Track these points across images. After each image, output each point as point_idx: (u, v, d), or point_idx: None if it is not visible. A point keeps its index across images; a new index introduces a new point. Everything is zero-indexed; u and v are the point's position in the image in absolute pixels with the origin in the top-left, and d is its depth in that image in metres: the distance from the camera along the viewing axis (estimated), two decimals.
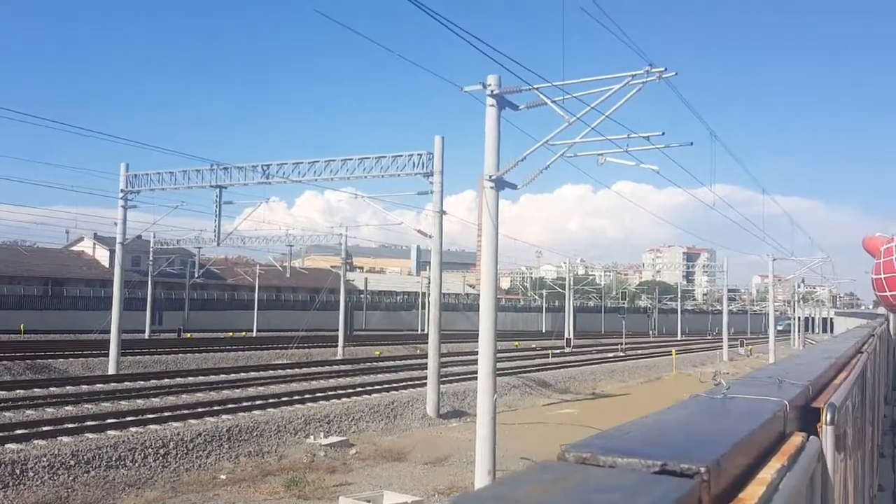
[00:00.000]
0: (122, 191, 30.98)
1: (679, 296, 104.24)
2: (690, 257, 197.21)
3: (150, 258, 52.97)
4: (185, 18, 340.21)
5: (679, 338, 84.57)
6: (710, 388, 2.10)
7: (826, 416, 2.14)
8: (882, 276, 16.04)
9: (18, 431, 17.00)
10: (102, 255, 66.09)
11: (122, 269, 31.93)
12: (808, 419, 2.14)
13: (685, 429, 1.44)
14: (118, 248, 31.90)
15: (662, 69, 15.83)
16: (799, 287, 76.06)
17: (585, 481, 1.00)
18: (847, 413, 3.16)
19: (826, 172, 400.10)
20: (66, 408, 21.37)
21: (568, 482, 0.99)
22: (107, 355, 31.16)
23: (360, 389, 27.15)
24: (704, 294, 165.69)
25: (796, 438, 1.76)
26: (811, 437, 1.89)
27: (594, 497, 0.92)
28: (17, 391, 23.82)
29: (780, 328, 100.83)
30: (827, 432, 2.12)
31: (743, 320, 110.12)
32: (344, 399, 24.84)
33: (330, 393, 25.78)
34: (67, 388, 25.15)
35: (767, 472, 1.37)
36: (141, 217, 36.61)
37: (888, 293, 16.15)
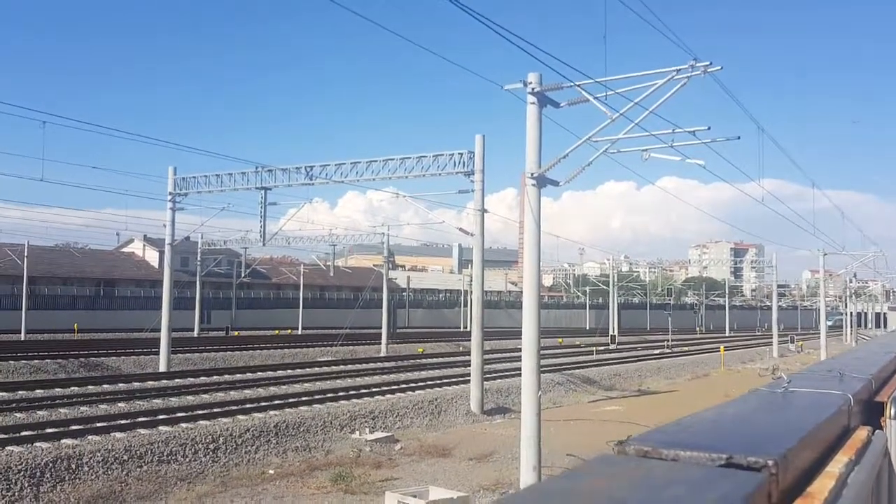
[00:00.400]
0: (170, 193, 31.64)
1: (727, 291, 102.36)
2: (738, 253, 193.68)
3: (198, 259, 53.96)
4: (221, 22, 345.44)
5: (727, 334, 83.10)
6: (766, 382, 2.05)
7: (891, 410, 2.07)
8: None
9: (73, 427, 17.47)
10: (152, 256, 67.57)
11: (171, 270, 32.60)
12: (871, 413, 2.07)
13: (748, 422, 1.40)
14: (167, 249, 32.57)
15: (707, 63, 15.54)
16: (851, 282, 74.08)
17: (649, 475, 0.97)
18: None
19: (878, 165, 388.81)
20: (119, 404, 21.92)
21: (632, 475, 0.97)
22: (157, 353, 31.85)
23: (403, 386, 27.29)
24: (753, 290, 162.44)
25: (861, 432, 1.70)
26: (877, 431, 1.83)
27: (659, 491, 0.90)
28: (72, 388, 24.51)
29: (829, 324, 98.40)
30: (892, 426, 2.05)
31: (793, 316, 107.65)
32: (388, 395, 24.99)
33: (374, 389, 25.95)
34: (120, 385, 25.78)
35: (835, 467, 1.32)
36: (189, 219, 37.36)
37: None
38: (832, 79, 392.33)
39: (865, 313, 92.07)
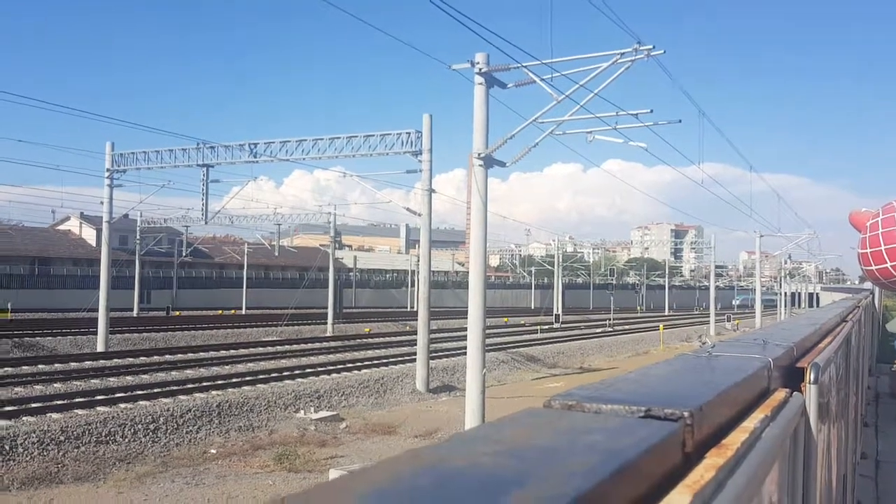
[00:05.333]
0: (108, 170, 30.77)
1: (667, 272, 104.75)
2: (678, 234, 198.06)
3: (138, 237, 52.66)
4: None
5: (667, 313, 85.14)
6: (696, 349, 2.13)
7: (810, 375, 2.18)
8: (867, 250, 16.16)
9: (7, 408, 16.98)
10: (89, 235, 65.66)
11: (109, 248, 31.77)
12: (792, 378, 2.17)
13: (670, 382, 1.46)
14: (105, 227, 31.71)
15: (651, 47, 15.80)
16: (786, 263, 76.62)
17: (571, 425, 1.01)
18: (831, 379, 3.21)
19: (814, 150, 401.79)
20: (55, 385, 21.36)
21: (553, 425, 1.01)
22: (95, 333, 31.12)
23: (350, 365, 27.25)
24: (692, 270, 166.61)
25: (780, 394, 1.79)
26: (794, 393, 1.92)
27: (580, 438, 0.94)
28: (5, 369, 23.77)
29: (736, 303, 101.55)
30: (810, 391, 2.15)
31: (730, 296, 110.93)
32: (334, 375, 24.94)
33: (320, 369, 25.86)
34: (56, 365, 25.10)
35: (751, 422, 1.40)
36: (128, 196, 36.39)
37: (873, 268, 16.28)
38: (772, 64, 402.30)
39: (800, 293, 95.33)
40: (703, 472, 1.03)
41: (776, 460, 1.51)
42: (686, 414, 1.08)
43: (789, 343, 2.41)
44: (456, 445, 0.87)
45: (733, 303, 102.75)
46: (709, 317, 60.84)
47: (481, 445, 0.87)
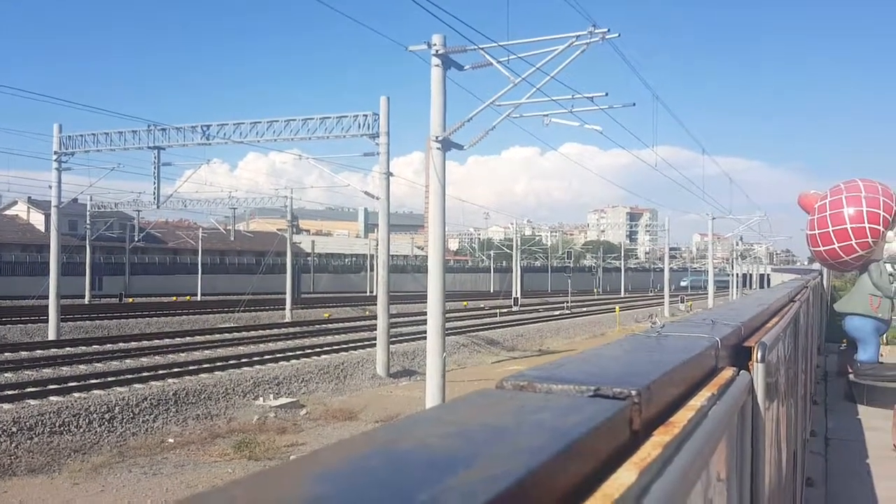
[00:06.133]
0: (55, 153, 29.96)
1: (622, 255, 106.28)
2: (633, 217, 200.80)
3: (88, 222, 51.50)
4: None
5: (623, 295, 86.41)
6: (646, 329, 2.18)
7: (757, 354, 2.24)
8: (816, 231, 16.61)
9: None
10: (37, 220, 63.91)
11: (58, 234, 31.00)
12: (740, 357, 2.23)
13: (619, 361, 1.49)
14: (53, 211, 30.91)
15: (605, 30, 15.92)
16: (737, 244, 78.27)
17: (521, 405, 1.03)
18: (780, 357, 3.30)
19: (765, 134, 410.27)
20: (6, 374, 20.82)
21: (504, 405, 1.02)
22: (46, 321, 30.40)
23: (309, 351, 27.11)
24: (647, 253, 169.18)
25: (727, 372, 1.84)
26: (742, 371, 1.98)
27: (529, 417, 0.96)
28: None
29: (684, 284, 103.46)
30: (758, 369, 2.22)
31: (682, 277, 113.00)
32: (293, 361, 24.78)
33: (279, 355, 25.66)
34: (6, 354, 24.45)
35: (697, 400, 1.43)
36: (77, 180, 35.51)
37: (821, 248, 16.75)
38: (725, 46, 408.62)
39: (751, 274, 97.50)
40: (650, 449, 1.06)
41: (723, 437, 1.55)
42: (634, 392, 1.11)
43: (737, 323, 2.48)
44: (408, 427, 0.88)
45: (681, 284, 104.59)
46: (663, 298, 61.94)
47: (432, 427, 0.88)
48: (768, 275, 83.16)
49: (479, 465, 0.73)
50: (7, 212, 67.66)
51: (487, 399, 1.05)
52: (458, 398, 1.04)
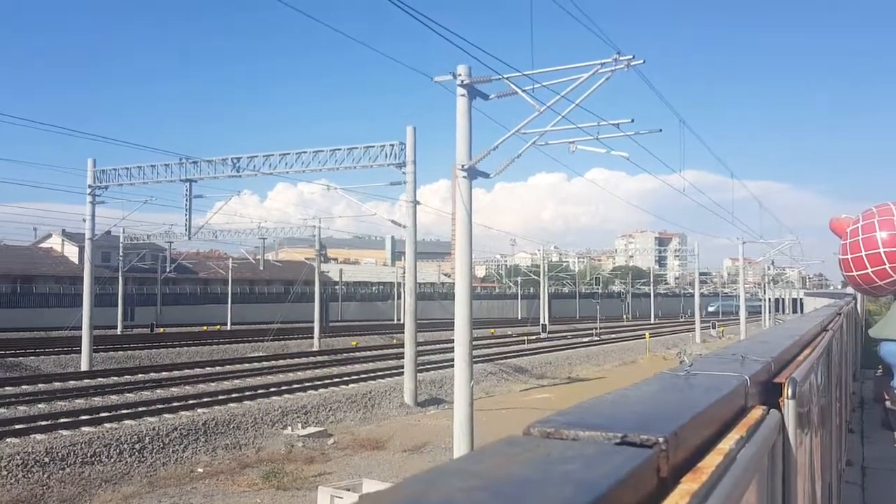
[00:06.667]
0: (89, 186, 30.59)
1: (651, 280, 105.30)
2: (662, 242, 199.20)
3: (121, 253, 52.32)
4: (151, 12, 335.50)
5: (652, 321, 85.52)
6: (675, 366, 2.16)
7: (787, 391, 2.21)
8: (848, 256, 16.30)
9: None
10: (71, 252, 65.11)
11: (91, 266, 31.54)
12: (770, 394, 2.20)
13: (647, 403, 1.48)
14: (87, 244, 31.49)
15: (630, 57, 15.94)
16: (769, 269, 77.16)
17: (548, 453, 1.03)
18: (812, 389, 3.25)
19: (794, 156, 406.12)
20: (39, 405, 21.13)
21: (531, 454, 1.03)
22: (79, 352, 30.82)
23: (336, 380, 27.14)
24: (676, 278, 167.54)
25: (756, 412, 1.82)
26: (772, 410, 1.95)
27: (555, 467, 0.96)
28: None
29: (711, 309, 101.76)
30: (789, 406, 2.18)
31: (711, 303, 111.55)
32: (321, 390, 24.82)
33: (307, 384, 25.73)
34: (39, 385, 24.83)
35: (726, 444, 1.42)
36: (110, 213, 36.23)
37: (854, 273, 16.41)
38: (752, 70, 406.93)
39: (783, 299, 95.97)
40: (678, 498, 1.05)
41: (753, 480, 1.53)
42: (661, 440, 1.11)
43: (767, 358, 2.44)
44: (433, 479, 0.89)
45: (709, 309, 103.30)
46: (694, 324, 61.14)
47: (458, 479, 0.89)
48: (801, 300, 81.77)
49: None
50: (42, 244, 69.04)
51: (515, 448, 1.05)
52: (486, 446, 1.05)
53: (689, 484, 1.13)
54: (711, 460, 1.27)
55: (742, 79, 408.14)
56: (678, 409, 1.37)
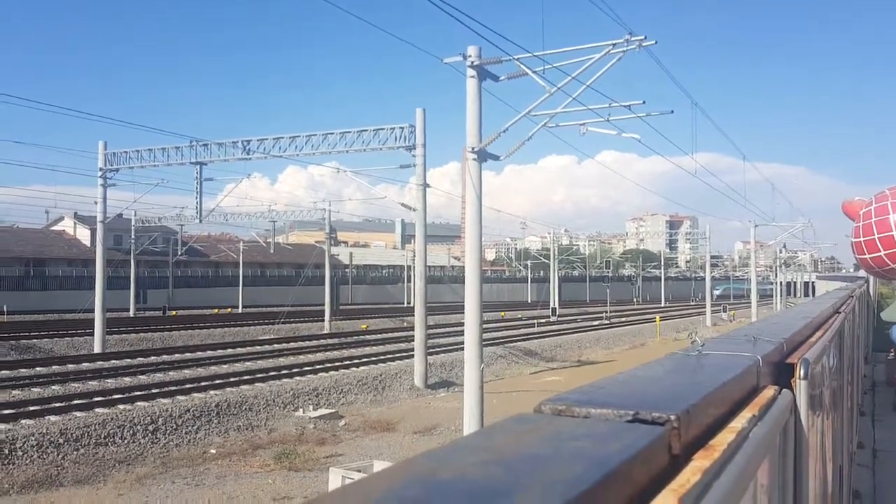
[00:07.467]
0: (101, 169, 30.69)
1: (662, 263, 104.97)
2: (673, 225, 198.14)
3: (132, 236, 52.57)
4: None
5: (663, 304, 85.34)
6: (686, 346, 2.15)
7: (800, 371, 2.20)
8: (861, 239, 16.19)
9: (5, 412, 16.97)
10: (84, 235, 65.52)
11: (104, 248, 31.72)
12: (782, 374, 2.19)
13: (658, 383, 1.48)
14: (99, 226, 31.65)
15: (642, 37, 15.79)
16: (781, 252, 76.79)
17: (559, 431, 1.03)
18: (824, 371, 3.24)
19: (807, 139, 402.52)
20: (53, 387, 21.35)
21: (542, 432, 1.03)
22: (92, 334, 31.08)
23: (347, 362, 27.29)
24: (687, 261, 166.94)
25: (769, 391, 1.81)
26: (784, 390, 1.94)
27: (566, 444, 0.96)
28: (3, 372, 23.73)
29: (717, 292, 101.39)
30: (800, 386, 2.18)
31: (718, 286, 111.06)
32: (332, 372, 24.96)
33: (318, 366, 25.87)
34: (53, 367, 25.08)
35: (738, 422, 1.42)
36: (121, 195, 36.43)
37: (867, 256, 16.31)
38: (764, 52, 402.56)
39: (795, 282, 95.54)
40: (690, 475, 1.05)
41: (765, 458, 1.53)
42: (673, 417, 1.10)
43: (779, 339, 2.43)
44: (446, 455, 0.89)
45: (715, 292, 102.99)
46: (705, 307, 60.99)
47: (470, 455, 0.89)
48: (813, 283, 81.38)
49: (518, 497, 0.74)
50: (54, 227, 69.47)
51: (525, 425, 1.05)
52: (497, 424, 1.05)
53: (702, 461, 1.12)
54: (723, 438, 1.27)
55: (755, 62, 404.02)
56: (690, 388, 1.37)
